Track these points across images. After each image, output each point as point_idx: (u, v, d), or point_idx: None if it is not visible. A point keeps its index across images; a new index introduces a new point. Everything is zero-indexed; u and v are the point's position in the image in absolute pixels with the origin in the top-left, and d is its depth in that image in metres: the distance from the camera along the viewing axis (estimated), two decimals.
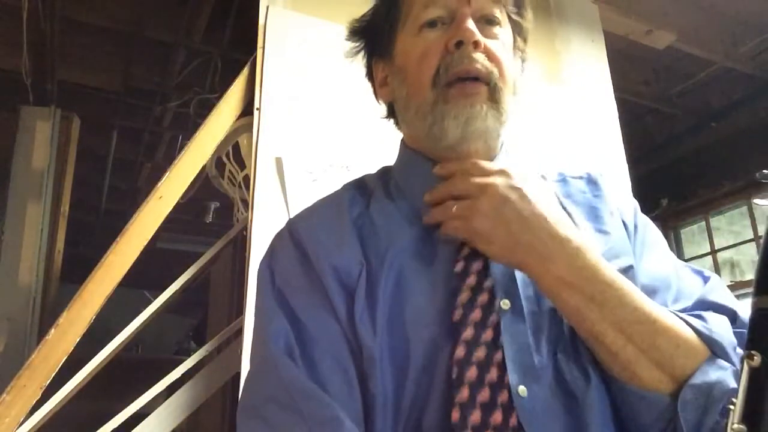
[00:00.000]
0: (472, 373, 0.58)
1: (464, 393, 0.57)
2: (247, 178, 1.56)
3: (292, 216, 0.77)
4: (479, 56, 0.67)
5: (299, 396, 0.58)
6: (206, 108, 2.55)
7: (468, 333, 0.60)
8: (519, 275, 0.64)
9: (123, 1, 2.47)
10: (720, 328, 0.61)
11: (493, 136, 0.70)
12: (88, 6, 2.45)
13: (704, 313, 0.63)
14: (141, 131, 3.44)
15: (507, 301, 0.62)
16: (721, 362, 0.58)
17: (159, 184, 1.35)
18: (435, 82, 0.68)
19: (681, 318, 0.60)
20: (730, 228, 3.60)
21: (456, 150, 0.69)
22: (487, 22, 0.70)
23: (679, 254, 3.67)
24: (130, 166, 3.90)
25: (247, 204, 1.42)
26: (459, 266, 0.64)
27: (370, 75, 0.80)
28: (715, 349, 0.58)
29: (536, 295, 0.64)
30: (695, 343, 0.58)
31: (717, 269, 3.50)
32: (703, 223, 3.63)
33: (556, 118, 1.83)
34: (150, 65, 2.83)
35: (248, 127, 1.44)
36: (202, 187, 1.80)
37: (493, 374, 0.58)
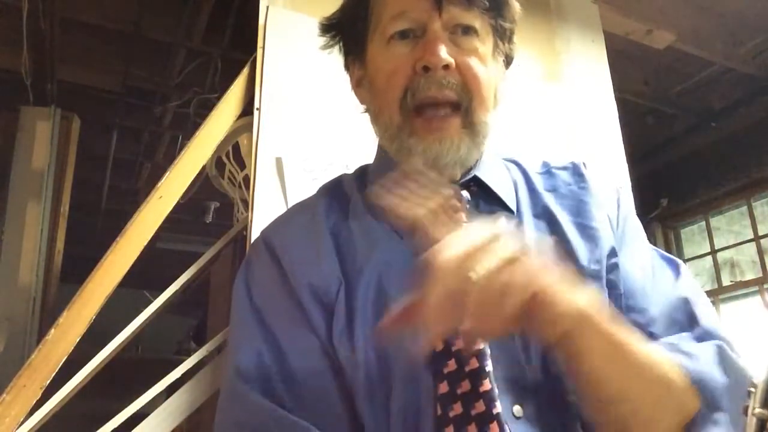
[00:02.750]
0: (457, 408, 0.55)
1: (450, 431, 0.55)
2: (247, 178, 1.56)
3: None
4: (449, 80, 0.63)
5: (273, 424, 0.56)
6: (206, 108, 2.55)
7: (451, 365, 0.57)
8: None
9: (123, 1, 2.47)
10: (709, 366, 0.56)
11: (470, 159, 0.68)
12: (88, 6, 2.45)
13: (691, 347, 0.58)
14: (141, 131, 3.44)
15: None
16: (717, 416, 0.54)
17: (159, 184, 1.35)
18: (402, 105, 0.65)
19: (669, 359, 0.55)
20: (730, 228, 3.59)
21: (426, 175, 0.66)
22: (462, 31, 0.66)
23: (679, 254, 3.66)
24: (130, 166, 3.90)
25: (247, 204, 1.42)
26: None
27: (348, 68, 0.78)
28: (709, 398, 0.54)
29: None
30: (688, 391, 0.54)
31: (717, 269, 3.49)
32: (703, 223, 3.63)
33: (556, 117, 1.83)
34: (150, 65, 2.83)
35: (248, 127, 1.44)
36: (202, 187, 1.80)
37: (479, 407, 0.55)
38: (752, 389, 0.45)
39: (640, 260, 0.70)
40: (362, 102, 0.76)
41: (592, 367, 0.50)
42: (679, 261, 0.72)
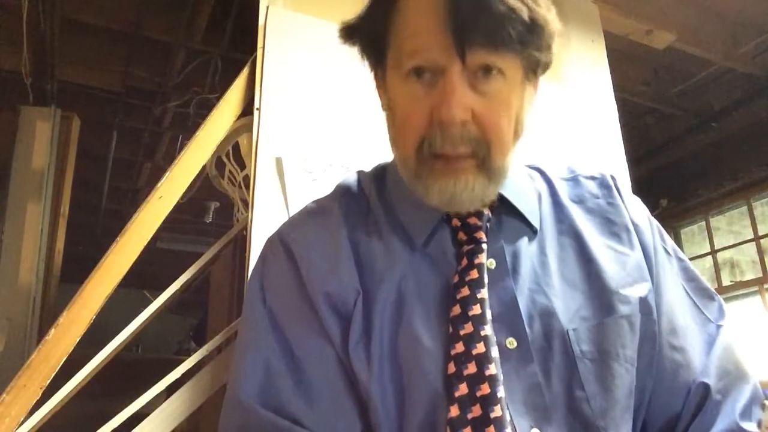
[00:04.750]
0: None
1: None
2: (247, 178, 1.56)
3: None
4: (465, 135, 0.59)
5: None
6: (206, 108, 2.55)
7: (462, 389, 0.56)
8: (524, 310, 0.60)
9: (123, 1, 2.47)
10: None
11: (489, 197, 0.65)
12: (88, 6, 2.45)
13: None
14: (141, 131, 3.44)
15: (513, 340, 0.59)
16: None
17: (159, 184, 1.35)
18: (418, 153, 0.61)
19: None
20: (730, 228, 3.59)
21: (443, 210, 0.65)
22: (484, 71, 0.60)
23: None
24: (130, 166, 3.90)
25: (247, 204, 1.42)
26: (456, 310, 0.59)
27: (372, 68, 0.73)
28: None
29: (544, 330, 0.60)
30: None
31: (717, 269, 3.50)
32: (703, 223, 3.63)
33: (555, 117, 1.83)
34: (150, 65, 2.83)
35: (248, 127, 1.44)
36: (202, 187, 1.80)
37: None
38: (767, 402, 0.45)
39: (680, 294, 0.68)
40: (382, 107, 0.72)
41: None
42: (719, 298, 0.71)
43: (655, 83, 3.19)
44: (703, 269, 3.58)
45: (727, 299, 3.36)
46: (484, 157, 0.61)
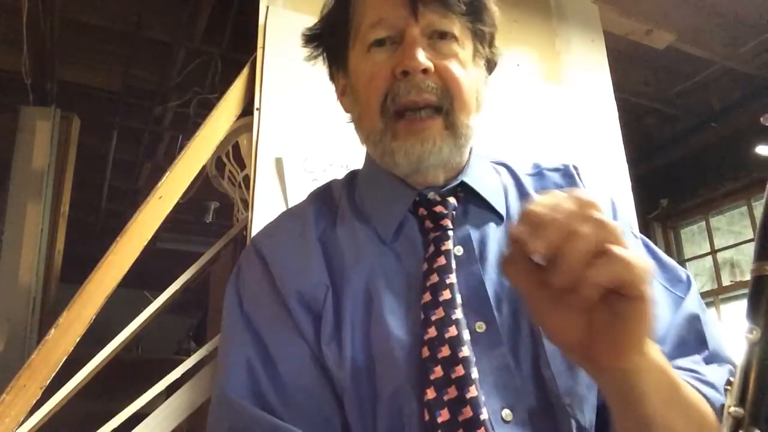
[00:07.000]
0: (444, 414, 0.55)
1: None
2: (247, 178, 1.56)
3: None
4: (429, 84, 0.63)
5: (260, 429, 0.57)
6: (206, 108, 2.55)
7: (437, 372, 0.57)
8: (491, 294, 0.62)
9: (123, 1, 2.47)
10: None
11: (453, 162, 0.68)
12: (88, 6, 2.45)
13: (711, 376, 0.58)
14: (141, 131, 3.44)
15: (482, 324, 0.60)
16: None
17: (159, 184, 1.35)
18: (383, 110, 0.65)
19: (697, 388, 0.55)
20: (730, 228, 3.59)
21: (411, 179, 0.68)
22: (439, 36, 0.66)
23: (679, 254, 3.66)
24: (130, 166, 3.90)
25: (247, 204, 1.42)
26: (426, 297, 0.61)
27: (333, 78, 0.78)
28: None
29: (512, 314, 0.61)
30: (715, 425, 0.52)
31: (717, 269, 3.49)
32: (703, 223, 3.63)
33: (556, 118, 1.83)
34: (150, 65, 2.83)
35: (248, 127, 1.44)
36: (202, 187, 1.80)
37: (467, 413, 0.55)
38: (728, 387, 0.44)
39: None
40: (346, 110, 0.76)
41: (654, 411, 0.47)
42: (686, 272, 0.71)
43: (655, 83, 3.19)
44: (703, 269, 3.58)
45: (727, 299, 3.36)
46: (448, 112, 0.64)
